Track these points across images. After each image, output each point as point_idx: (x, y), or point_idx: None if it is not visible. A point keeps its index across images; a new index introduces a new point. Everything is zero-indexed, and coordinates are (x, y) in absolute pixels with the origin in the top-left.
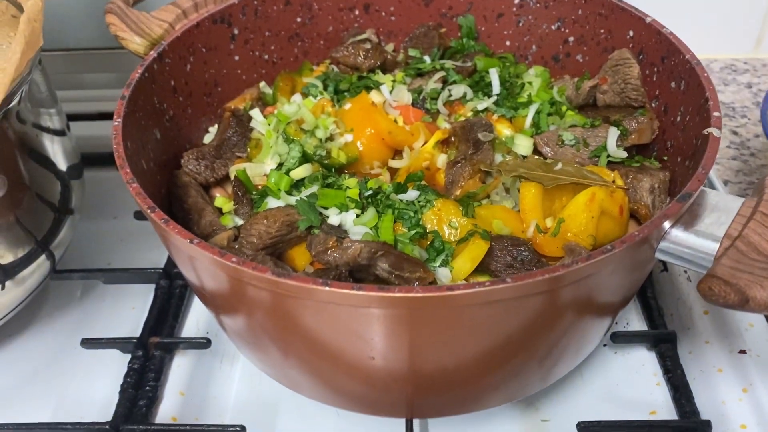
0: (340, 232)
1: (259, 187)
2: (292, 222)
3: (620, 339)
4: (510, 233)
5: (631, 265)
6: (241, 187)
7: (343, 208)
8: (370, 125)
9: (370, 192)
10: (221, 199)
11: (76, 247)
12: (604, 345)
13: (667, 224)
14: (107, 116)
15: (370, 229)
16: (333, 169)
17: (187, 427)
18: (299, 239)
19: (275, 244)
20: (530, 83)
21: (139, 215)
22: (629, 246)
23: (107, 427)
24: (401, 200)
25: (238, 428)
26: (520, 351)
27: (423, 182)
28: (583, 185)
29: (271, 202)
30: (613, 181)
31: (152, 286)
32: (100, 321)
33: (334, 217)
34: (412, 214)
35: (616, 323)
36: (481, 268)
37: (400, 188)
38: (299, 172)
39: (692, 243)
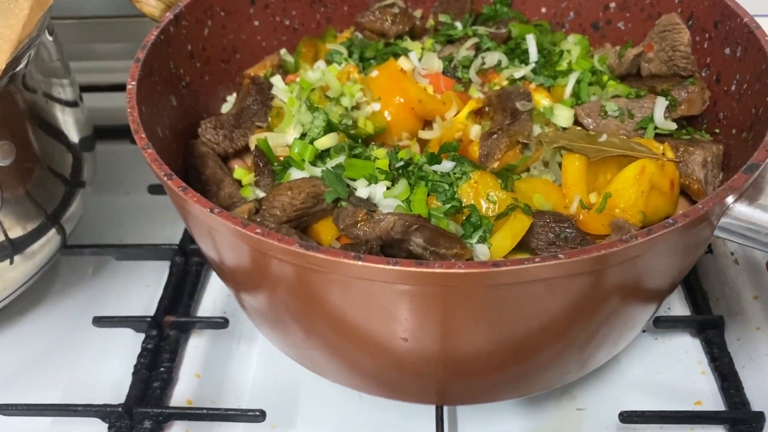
0: (369, 205)
1: (281, 158)
2: (318, 194)
3: (663, 324)
4: (551, 209)
5: (687, 245)
6: (262, 158)
7: (372, 179)
8: (399, 93)
9: (401, 163)
10: (240, 171)
11: (88, 223)
12: (644, 331)
13: (730, 198)
14: (120, 87)
15: (402, 202)
16: (359, 140)
17: (204, 411)
18: (325, 212)
19: (300, 217)
20: (569, 51)
21: (154, 189)
22: (692, 220)
23: (120, 409)
24: (435, 172)
25: (257, 413)
26: (561, 336)
27: (457, 153)
28: (631, 158)
29: (295, 174)
30: (663, 154)
31: (167, 264)
32: (112, 299)
33: (362, 189)
34: (446, 187)
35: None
36: (521, 246)
37: (434, 159)
38: (324, 142)
39: (758, 219)
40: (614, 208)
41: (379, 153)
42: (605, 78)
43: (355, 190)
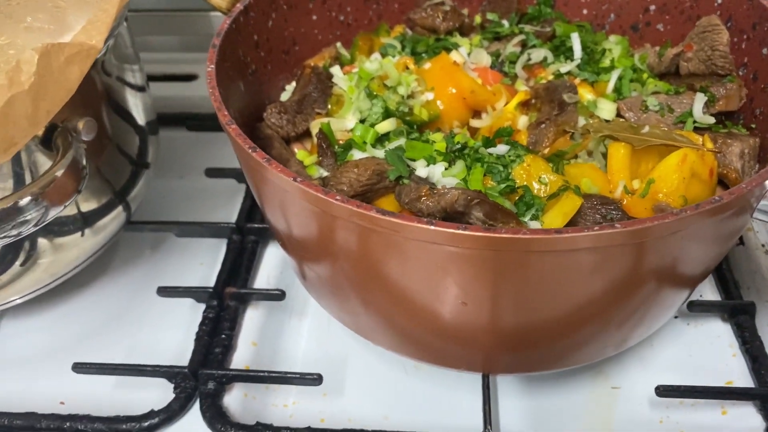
0: (428, 183)
1: (341, 141)
2: (382, 171)
3: (697, 308)
4: (598, 192)
5: (727, 227)
6: (326, 140)
7: (431, 160)
8: (452, 84)
9: (458, 146)
10: (303, 153)
11: (146, 203)
12: (676, 317)
13: None
14: (173, 78)
15: (460, 181)
16: (414, 126)
17: (265, 374)
18: (386, 189)
19: (365, 192)
20: (610, 50)
21: (211, 173)
22: (736, 197)
23: (186, 370)
24: (490, 154)
25: (315, 376)
26: (603, 312)
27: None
28: (672, 148)
29: (357, 154)
30: (703, 144)
31: (220, 243)
32: (168, 273)
33: (422, 169)
34: (501, 168)
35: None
36: (569, 226)
37: (489, 143)
38: (385, 126)
39: None
40: (657, 193)
41: (436, 137)
42: (645, 75)
43: (415, 170)
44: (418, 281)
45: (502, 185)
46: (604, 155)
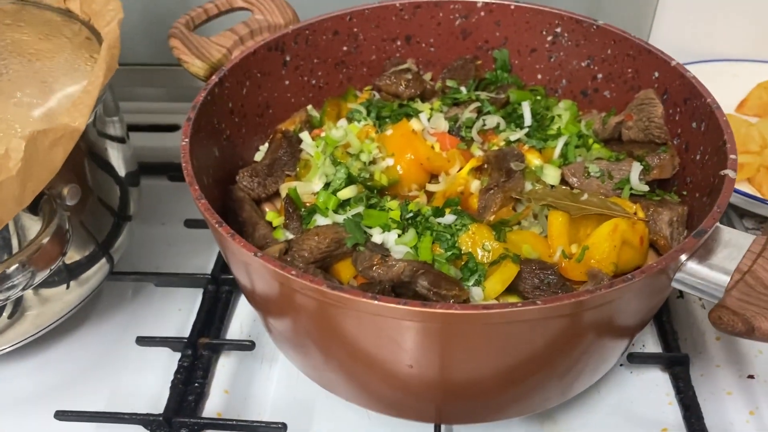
0: (382, 249)
1: (308, 204)
2: (340, 239)
3: (636, 359)
4: (538, 257)
5: (649, 292)
6: (292, 204)
7: (386, 228)
8: (410, 151)
9: (411, 214)
10: (272, 214)
11: (126, 251)
12: (621, 365)
13: (683, 257)
14: (155, 128)
15: (410, 248)
16: (375, 191)
17: (234, 422)
18: (345, 254)
19: (324, 258)
20: (560, 116)
21: (190, 224)
22: (648, 276)
23: (161, 418)
24: (439, 223)
25: (280, 425)
26: (543, 367)
27: (459, 207)
28: (607, 216)
29: (319, 220)
30: (635, 213)
31: (199, 290)
32: (149, 320)
33: (377, 236)
34: (449, 237)
35: (633, 345)
36: (511, 289)
37: (439, 212)
38: (346, 193)
39: (705, 275)
40: (591, 259)
41: (392, 204)
42: (590, 141)
43: (371, 236)
44: (369, 345)
45: (449, 252)
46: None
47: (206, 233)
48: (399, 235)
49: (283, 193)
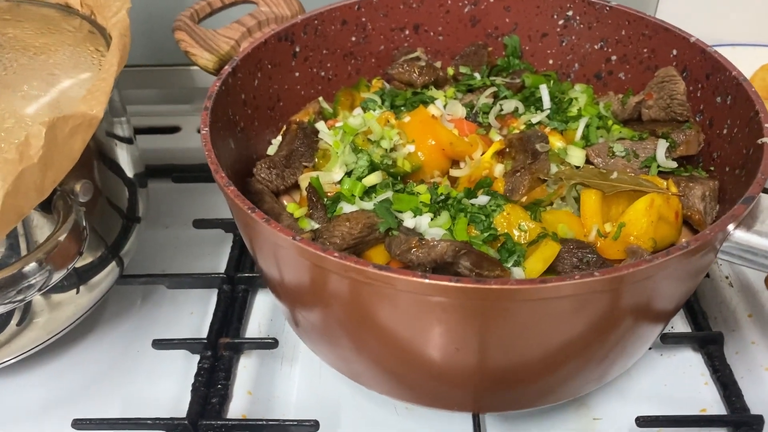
0: (416, 234)
1: (329, 194)
2: (372, 224)
3: (669, 340)
4: (573, 237)
5: (695, 266)
6: (316, 194)
7: (417, 211)
8: (432, 136)
9: (442, 197)
10: (293, 205)
11: (135, 254)
12: (649, 348)
13: (731, 226)
14: (157, 130)
15: (446, 230)
16: (398, 177)
17: (263, 422)
18: (376, 241)
19: (356, 245)
20: (576, 99)
21: (199, 224)
22: (702, 243)
23: (186, 422)
24: (473, 204)
25: (312, 423)
26: (584, 349)
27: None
28: (640, 192)
29: (346, 207)
30: (668, 189)
31: (210, 292)
32: (159, 325)
33: (409, 220)
34: (483, 218)
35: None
36: (549, 270)
37: (471, 194)
38: (371, 179)
39: (756, 242)
40: (628, 236)
41: (421, 189)
42: (610, 122)
43: (403, 221)
44: (411, 329)
45: (486, 234)
46: (577, 200)
47: (215, 234)
48: (432, 219)
49: (303, 184)
